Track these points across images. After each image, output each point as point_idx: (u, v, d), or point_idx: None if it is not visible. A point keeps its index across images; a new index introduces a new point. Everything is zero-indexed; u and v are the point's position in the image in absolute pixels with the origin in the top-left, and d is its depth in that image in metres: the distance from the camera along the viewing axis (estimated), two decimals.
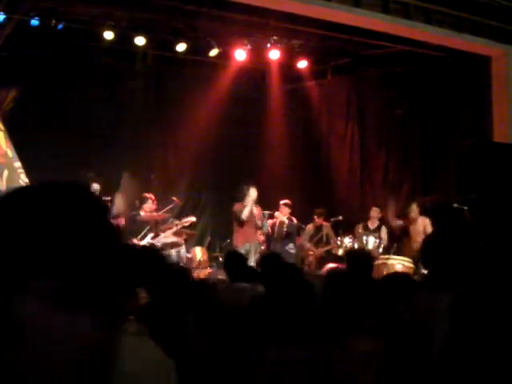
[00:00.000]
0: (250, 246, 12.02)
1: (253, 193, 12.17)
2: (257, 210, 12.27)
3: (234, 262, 6.74)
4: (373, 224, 12.81)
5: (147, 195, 12.26)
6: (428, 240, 3.81)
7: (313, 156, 15.97)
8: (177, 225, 12.49)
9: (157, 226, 12.26)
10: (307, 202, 14.48)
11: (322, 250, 12.81)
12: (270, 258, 6.80)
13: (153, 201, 12.21)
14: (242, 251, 11.74)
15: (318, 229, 13.08)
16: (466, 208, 10.61)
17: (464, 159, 11.15)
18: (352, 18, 10.80)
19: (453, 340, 3.07)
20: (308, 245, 12.94)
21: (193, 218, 12.87)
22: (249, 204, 12.07)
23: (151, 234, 11.98)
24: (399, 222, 12.42)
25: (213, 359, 3.23)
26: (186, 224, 12.70)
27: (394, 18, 10.92)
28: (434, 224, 11.98)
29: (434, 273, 3.57)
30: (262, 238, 13.22)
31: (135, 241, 11.64)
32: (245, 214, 11.98)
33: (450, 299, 3.20)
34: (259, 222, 12.26)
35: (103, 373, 1.43)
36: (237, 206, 12.23)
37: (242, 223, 12.06)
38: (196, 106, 14.62)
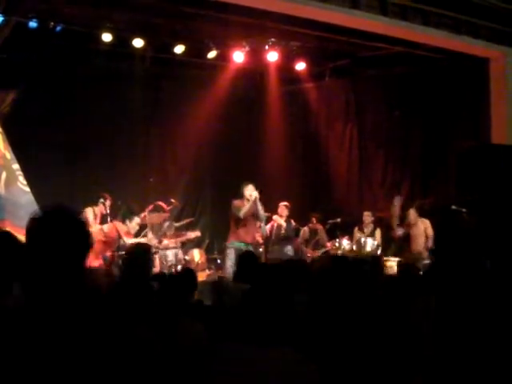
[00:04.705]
0: (241, 246, 11.29)
1: (247, 191, 11.47)
2: (261, 209, 11.56)
3: (244, 262, 6.70)
4: (367, 228, 12.88)
5: (162, 205, 12.38)
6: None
7: (311, 158, 15.96)
8: (178, 236, 12.54)
9: (159, 229, 12.30)
10: (305, 203, 14.48)
11: (317, 253, 12.82)
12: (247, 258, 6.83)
13: (165, 211, 12.32)
14: (232, 249, 11.24)
15: (314, 232, 13.08)
16: (464, 210, 10.60)
17: (462, 161, 11.12)
18: (350, 19, 10.79)
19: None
20: (305, 248, 12.94)
21: (198, 233, 12.94)
22: (248, 203, 11.40)
23: (155, 240, 12.00)
24: (400, 232, 12.44)
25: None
26: (191, 237, 12.79)
27: (392, 20, 10.91)
28: (434, 226, 12.01)
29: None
30: (260, 239, 13.20)
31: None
32: (243, 213, 11.35)
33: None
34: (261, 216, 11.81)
35: None
36: (235, 203, 11.57)
37: (236, 221, 11.55)
38: (194, 107, 14.63)
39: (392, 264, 11.24)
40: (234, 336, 2.99)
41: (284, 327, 2.97)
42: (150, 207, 12.28)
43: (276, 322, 2.96)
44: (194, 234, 12.78)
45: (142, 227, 12.08)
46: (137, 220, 11.64)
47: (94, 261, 10.41)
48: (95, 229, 11.13)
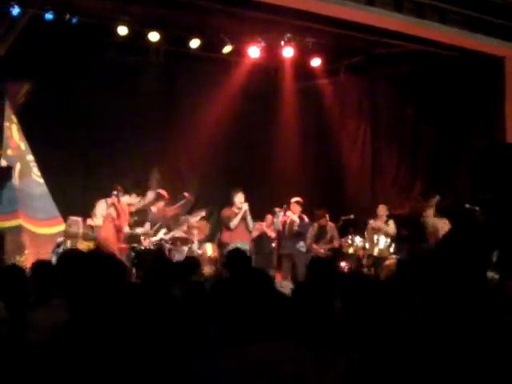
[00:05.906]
0: (237, 245, 11.40)
1: (237, 198, 12.19)
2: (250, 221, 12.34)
3: (236, 260, 6.79)
4: (381, 221, 12.84)
5: (162, 193, 12.38)
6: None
7: (324, 154, 15.96)
8: (187, 221, 12.59)
9: (169, 222, 12.34)
10: (318, 200, 14.46)
11: (325, 248, 12.81)
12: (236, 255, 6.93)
13: (166, 200, 12.33)
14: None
15: (322, 228, 13.04)
16: (477, 208, 10.57)
17: (476, 160, 11.10)
18: (366, 16, 10.80)
19: None
20: (315, 246, 12.90)
21: (202, 213, 12.95)
22: (239, 213, 12.13)
23: (163, 230, 12.05)
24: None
25: None
26: (197, 219, 12.81)
27: (407, 17, 10.92)
28: (451, 224, 11.98)
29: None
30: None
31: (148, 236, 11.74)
32: (233, 224, 12.09)
33: None
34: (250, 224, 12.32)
35: None
36: (224, 212, 12.30)
37: (227, 227, 12.22)
38: (208, 102, 14.63)
39: None
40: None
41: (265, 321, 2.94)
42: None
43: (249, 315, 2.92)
44: (198, 216, 12.83)
45: (155, 221, 12.13)
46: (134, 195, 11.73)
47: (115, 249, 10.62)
48: (107, 214, 11.27)
